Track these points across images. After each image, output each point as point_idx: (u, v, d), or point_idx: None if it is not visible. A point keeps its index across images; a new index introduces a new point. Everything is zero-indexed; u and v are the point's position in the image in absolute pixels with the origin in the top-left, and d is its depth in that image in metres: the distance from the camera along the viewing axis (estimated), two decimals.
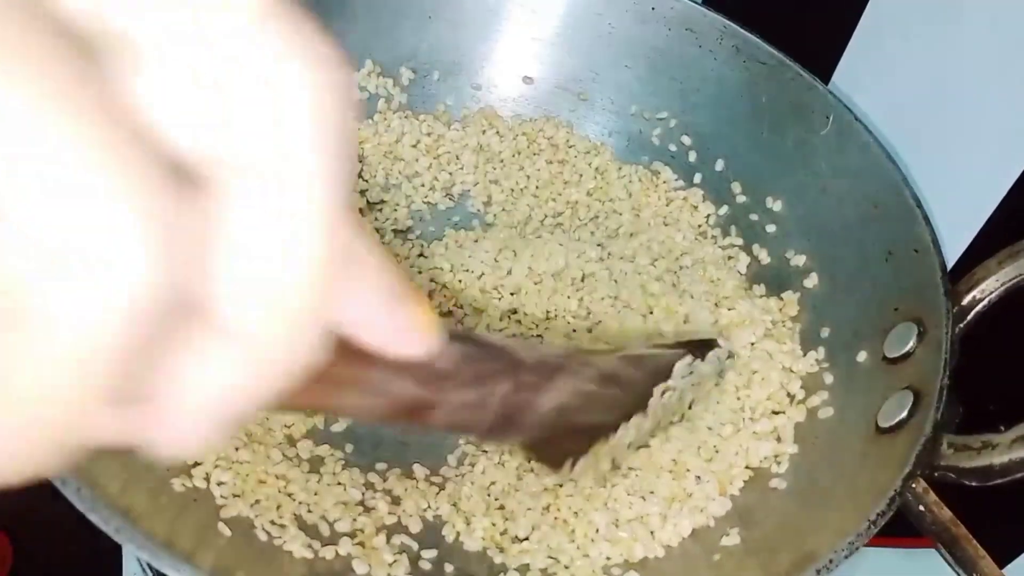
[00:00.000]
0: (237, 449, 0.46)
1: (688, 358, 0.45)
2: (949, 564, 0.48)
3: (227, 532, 0.42)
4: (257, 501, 0.45)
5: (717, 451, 0.50)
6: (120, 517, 0.36)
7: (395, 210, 0.60)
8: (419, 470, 0.49)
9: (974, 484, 0.43)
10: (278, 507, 0.45)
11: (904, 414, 0.45)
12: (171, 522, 0.40)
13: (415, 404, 0.28)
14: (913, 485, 0.46)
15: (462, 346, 0.30)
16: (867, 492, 0.43)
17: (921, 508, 0.47)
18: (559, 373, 0.36)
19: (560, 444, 0.39)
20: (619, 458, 0.44)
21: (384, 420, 0.28)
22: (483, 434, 0.34)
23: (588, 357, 0.40)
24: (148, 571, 0.53)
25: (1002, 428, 0.43)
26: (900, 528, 0.46)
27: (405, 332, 0.22)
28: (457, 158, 0.62)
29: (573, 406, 0.36)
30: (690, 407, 0.50)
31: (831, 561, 0.40)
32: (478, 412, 0.32)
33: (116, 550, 0.55)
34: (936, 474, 0.44)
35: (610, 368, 0.40)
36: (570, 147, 0.64)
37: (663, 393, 0.43)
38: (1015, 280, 0.48)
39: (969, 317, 0.49)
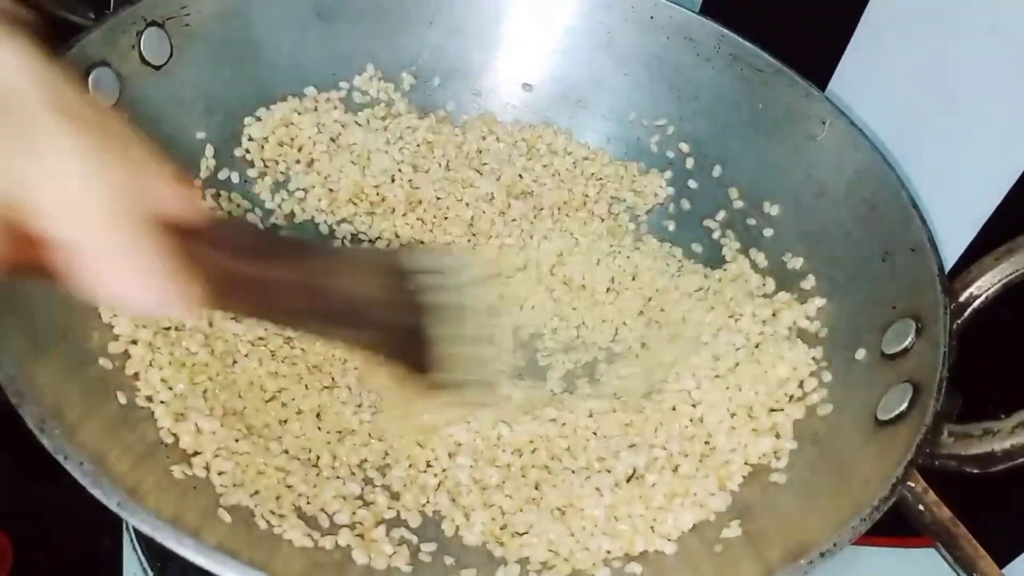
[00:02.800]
0: (237, 440, 0.46)
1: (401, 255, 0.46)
2: (949, 563, 0.48)
3: (227, 519, 0.42)
4: (256, 492, 0.44)
5: (714, 448, 0.50)
6: (122, 492, 0.36)
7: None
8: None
9: (976, 471, 0.43)
10: (277, 498, 0.45)
11: (904, 406, 0.46)
12: (174, 505, 0.40)
13: (256, 279, 0.35)
14: (912, 484, 0.46)
15: (258, 229, 0.39)
16: (868, 482, 0.43)
17: (921, 507, 0.47)
18: (353, 259, 0.42)
19: (414, 352, 0.43)
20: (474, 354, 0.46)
21: (224, 299, 0.35)
22: (332, 324, 0.40)
23: (366, 249, 0.47)
24: (149, 571, 0.53)
25: (1002, 416, 0.43)
26: (900, 528, 0.46)
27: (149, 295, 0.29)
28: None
29: (390, 301, 0.41)
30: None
31: (835, 545, 0.40)
32: (308, 296, 0.37)
33: (116, 550, 0.54)
34: (937, 462, 0.44)
35: (389, 261, 0.43)
36: (568, 153, 0.64)
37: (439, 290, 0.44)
38: (1012, 276, 0.49)
39: (967, 313, 0.49)
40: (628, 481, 0.49)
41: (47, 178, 0.25)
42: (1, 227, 0.24)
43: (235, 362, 0.50)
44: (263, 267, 0.36)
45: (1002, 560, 0.53)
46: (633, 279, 0.60)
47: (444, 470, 0.50)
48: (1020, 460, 0.42)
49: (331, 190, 0.59)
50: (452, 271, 0.45)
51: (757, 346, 0.54)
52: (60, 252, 0.26)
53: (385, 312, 0.41)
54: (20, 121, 0.24)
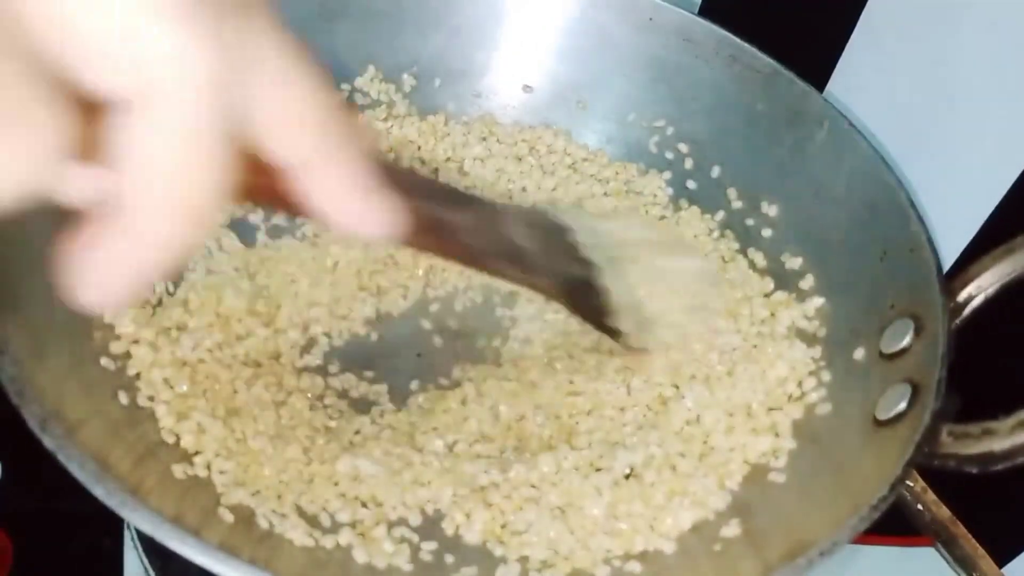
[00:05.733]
0: (238, 440, 0.46)
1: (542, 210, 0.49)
2: (948, 563, 0.48)
3: (229, 518, 0.42)
4: (258, 491, 0.45)
5: (712, 448, 0.50)
6: (124, 492, 0.36)
7: None
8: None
9: (975, 471, 0.43)
10: (278, 497, 0.45)
11: (903, 406, 0.46)
12: (175, 504, 0.40)
13: (437, 223, 0.37)
14: (911, 483, 0.47)
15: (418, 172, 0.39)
16: (867, 481, 0.43)
17: (920, 507, 0.47)
18: (501, 213, 0.43)
19: (586, 305, 0.46)
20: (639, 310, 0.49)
21: (424, 241, 0.38)
22: (521, 270, 0.43)
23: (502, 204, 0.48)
24: (150, 571, 0.53)
25: (1001, 416, 0.43)
26: (899, 527, 0.46)
27: (372, 215, 0.28)
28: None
29: (546, 250, 0.43)
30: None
31: (834, 543, 0.40)
32: (491, 239, 0.40)
33: (117, 550, 0.54)
34: (936, 462, 0.44)
35: (526, 216, 0.45)
36: (568, 154, 0.64)
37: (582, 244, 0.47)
38: (1010, 276, 0.49)
39: (965, 313, 0.49)
40: (627, 480, 0.49)
41: (272, 94, 0.24)
42: (234, 150, 0.22)
43: (239, 362, 0.50)
44: (441, 208, 0.37)
45: (1002, 560, 0.54)
46: None
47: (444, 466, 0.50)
48: (1019, 460, 0.42)
49: None
50: (602, 234, 0.47)
51: (755, 346, 0.55)
52: (289, 176, 0.26)
53: (553, 261, 0.43)
54: (240, 24, 0.23)
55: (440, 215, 0.38)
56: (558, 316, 0.57)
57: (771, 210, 0.60)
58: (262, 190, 0.27)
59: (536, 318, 0.58)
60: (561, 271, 0.45)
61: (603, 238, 0.48)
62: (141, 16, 0.19)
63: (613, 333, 0.50)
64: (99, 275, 0.22)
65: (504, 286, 0.58)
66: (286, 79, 0.24)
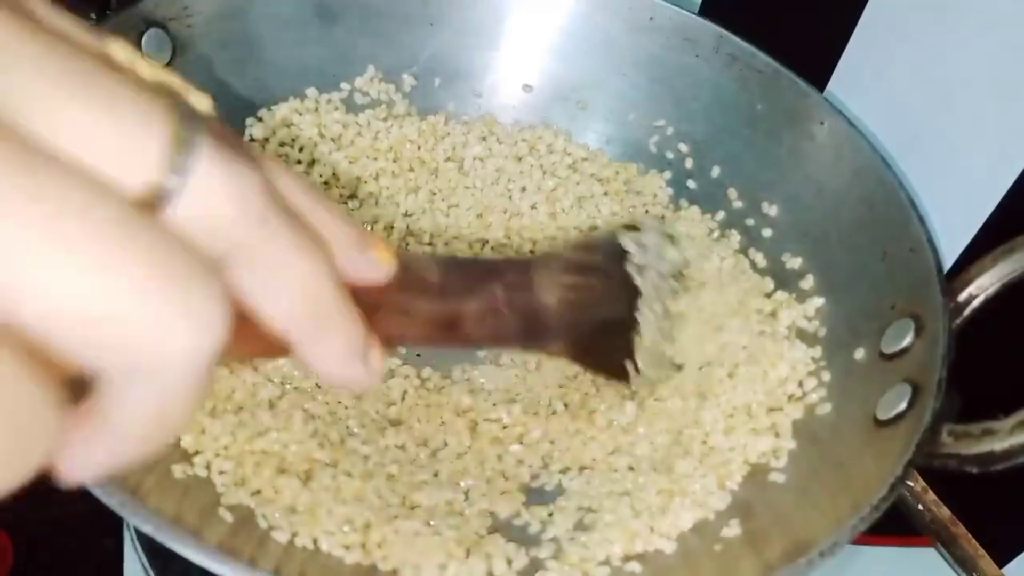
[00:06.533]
0: (237, 440, 0.46)
1: (626, 233, 0.45)
2: (948, 563, 0.48)
3: (228, 518, 0.42)
4: (258, 491, 0.45)
5: (713, 448, 0.50)
6: (123, 492, 0.36)
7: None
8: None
9: (975, 471, 0.43)
10: (276, 492, 0.45)
11: (903, 406, 0.46)
12: (175, 504, 0.40)
13: (443, 319, 0.34)
14: (912, 484, 0.47)
15: (438, 260, 0.35)
16: (868, 482, 0.43)
17: (920, 507, 0.47)
18: (534, 270, 0.39)
19: (604, 349, 0.43)
20: (665, 348, 0.46)
21: (430, 340, 0.35)
22: (520, 342, 0.39)
23: (547, 254, 0.43)
24: (150, 571, 0.53)
25: (1001, 416, 0.43)
26: (899, 527, 0.46)
27: (369, 260, 0.28)
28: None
29: (575, 300, 0.39)
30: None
31: (834, 544, 0.40)
32: (498, 319, 0.36)
33: (117, 550, 0.54)
34: (936, 462, 0.44)
35: (574, 258, 0.42)
36: (568, 154, 0.64)
37: (640, 271, 0.43)
38: (1011, 276, 0.49)
39: (966, 313, 0.49)
40: (627, 480, 0.50)
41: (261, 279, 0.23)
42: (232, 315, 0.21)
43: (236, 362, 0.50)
44: (456, 302, 0.35)
45: (1002, 560, 0.53)
46: None
47: (442, 462, 0.50)
48: (1019, 459, 0.42)
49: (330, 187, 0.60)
50: (654, 251, 0.44)
51: (755, 345, 0.55)
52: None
53: (576, 313, 0.40)
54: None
55: (442, 310, 0.35)
56: None
57: (771, 210, 0.60)
58: (250, 352, 0.27)
59: None
60: (587, 321, 0.41)
61: (662, 263, 0.45)
62: (112, 292, 0.18)
63: (622, 375, 0.47)
64: (81, 455, 0.21)
65: None
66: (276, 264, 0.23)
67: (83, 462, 0.21)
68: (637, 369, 0.44)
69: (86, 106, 0.18)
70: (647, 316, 0.43)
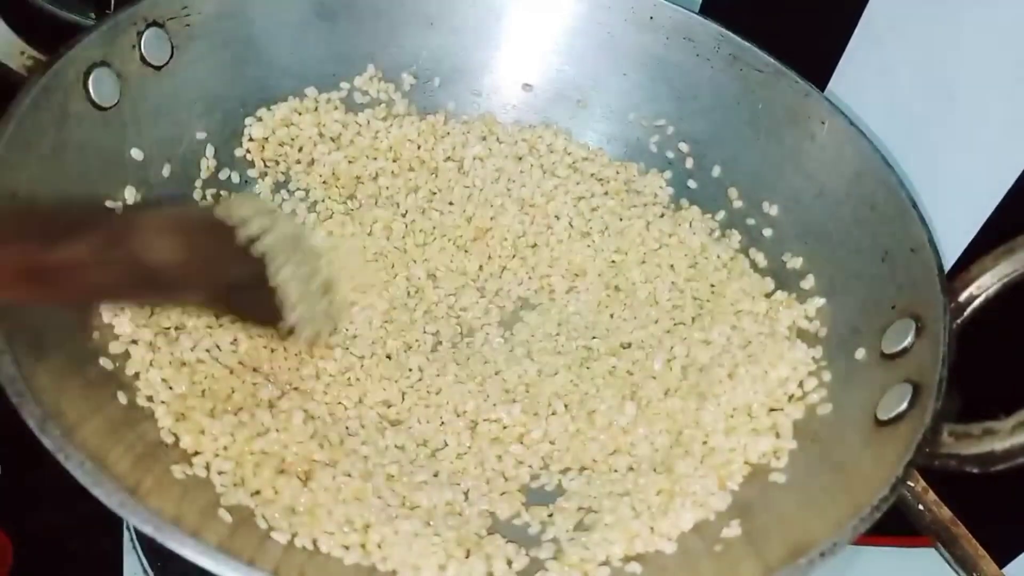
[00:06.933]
0: (237, 440, 0.46)
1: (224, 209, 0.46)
2: (949, 563, 0.48)
3: (228, 518, 0.42)
4: (257, 491, 0.45)
5: (713, 448, 0.50)
6: (123, 492, 0.36)
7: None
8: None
9: (976, 471, 0.43)
10: (276, 493, 0.45)
11: (904, 406, 0.46)
12: (174, 505, 0.40)
13: (42, 269, 0.34)
14: (912, 484, 0.46)
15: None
16: (869, 482, 0.43)
17: (921, 507, 0.47)
18: (130, 230, 0.40)
19: (250, 304, 0.45)
20: (317, 303, 0.48)
21: (21, 289, 0.36)
22: (143, 294, 0.41)
23: (149, 214, 0.46)
24: (149, 571, 0.53)
25: (1002, 416, 0.43)
26: (900, 527, 0.46)
27: None
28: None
29: (196, 260, 0.41)
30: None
31: (835, 544, 0.40)
32: (110, 270, 0.37)
33: (116, 550, 0.54)
34: (937, 462, 0.44)
35: (173, 221, 0.43)
36: (568, 153, 0.64)
37: (254, 240, 0.44)
38: (1011, 276, 0.49)
39: (966, 313, 0.49)
40: (627, 480, 0.49)
41: None
42: None
43: (239, 363, 0.50)
44: (45, 248, 0.35)
45: (1002, 560, 0.53)
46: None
47: (441, 463, 0.50)
48: (1020, 460, 0.42)
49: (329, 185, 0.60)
50: (267, 215, 0.45)
51: (755, 345, 0.54)
52: None
53: (212, 268, 0.42)
54: None
55: (43, 257, 0.35)
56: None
57: (772, 210, 0.60)
58: None
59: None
60: (221, 278, 0.43)
61: (281, 227, 0.47)
62: None
63: (281, 331, 0.48)
64: None
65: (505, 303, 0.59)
66: None
67: None
68: (286, 318, 0.46)
69: None
70: (282, 276, 0.45)
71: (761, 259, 0.59)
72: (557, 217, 0.62)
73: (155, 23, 0.53)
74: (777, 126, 0.60)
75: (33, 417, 0.37)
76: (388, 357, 0.54)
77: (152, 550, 0.53)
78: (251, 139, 0.60)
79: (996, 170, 0.54)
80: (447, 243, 0.61)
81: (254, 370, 0.51)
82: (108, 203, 0.50)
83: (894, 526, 0.43)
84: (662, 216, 0.63)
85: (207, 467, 0.44)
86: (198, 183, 0.57)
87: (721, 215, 0.62)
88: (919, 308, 0.49)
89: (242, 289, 0.44)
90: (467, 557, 0.44)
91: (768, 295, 0.57)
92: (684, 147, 0.64)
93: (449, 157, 0.63)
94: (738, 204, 0.61)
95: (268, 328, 0.48)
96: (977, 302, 0.49)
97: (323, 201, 0.60)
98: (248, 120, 0.60)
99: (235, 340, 0.51)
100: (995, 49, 0.53)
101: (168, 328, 0.49)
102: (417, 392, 0.53)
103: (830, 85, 0.64)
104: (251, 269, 0.44)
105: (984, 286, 0.49)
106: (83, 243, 0.37)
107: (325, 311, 0.50)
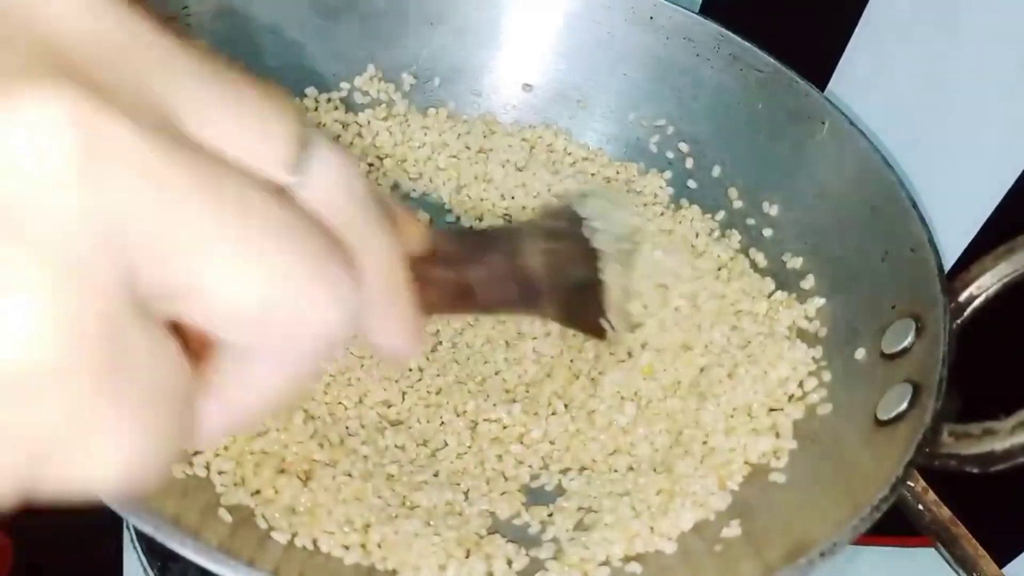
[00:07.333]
0: (237, 440, 0.46)
1: (580, 200, 0.46)
2: (949, 563, 0.48)
3: (228, 518, 0.42)
4: (257, 491, 0.45)
5: (713, 448, 0.50)
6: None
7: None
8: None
9: (976, 471, 0.43)
10: (276, 494, 0.45)
11: (904, 406, 0.46)
12: (174, 504, 0.40)
13: (459, 287, 0.36)
14: (912, 484, 0.46)
15: (448, 233, 0.39)
16: (868, 482, 0.43)
17: (921, 507, 0.47)
18: (519, 238, 0.41)
19: (582, 310, 0.44)
20: (629, 305, 0.47)
21: (451, 308, 0.38)
22: (520, 306, 0.42)
23: (524, 223, 0.46)
24: (149, 571, 0.53)
25: (1002, 416, 0.43)
26: (900, 527, 0.46)
27: (408, 233, 0.30)
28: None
29: (554, 264, 0.41)
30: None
31: (835, 544, 0.40)
32: (503, 285, 0.39)
33: (116, 550, 0.54)
34: (937, 462, 0.44)
35: (546, 225, 0.43)
36: (568, 153, 0.64)
37: (597, 234, 0.44)
38: (1012, 276, 0.49)
39: (967, 313, 0.49)
40: (627, 480, 0.49)
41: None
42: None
43: None
44: (461, 271, 0.37)
45: (1002, 560, 0.53)
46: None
47: (441, 462, 0.50)
48: (1020, 460, 0.42)
49: None
50: (606, 215, 0.45)
51: (755, 345, 0.55)
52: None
53: (559, 273, 0.42)
54: None
55: (460, 279, 0.37)
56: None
57: (772, 210, 0.60)
58: None
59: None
60: (566, 283, 0.43)
61: (615, 225, 0.47)
62: (281, 284, 0.20)
63: (600, 333, 0.48)
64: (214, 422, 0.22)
65: None
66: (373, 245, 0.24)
67: (207, 430, 0.22)
68: (612, 326, 0.45)
69: (232, 108, 0.20)
70: (610, 275, 0.44)
71: (761, 259, 0.59)
72: None
73: None
74: (777, 126, 0.60)
75: None
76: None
77: (152, 550, 0.53)
78: None
79: (996, 170, 0.54)
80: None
81: None
82: None
83: (894, 526, 0.43)
84: (662, 216, 0.63)
85: (207, 467, 0.44)
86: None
87: (721, 215, 0.62)
88: (919, 308, 0.49)
89: (577, 291, 0.44)
90: (467, 557, 0.44)
91: (768, 295, 0.57)
92: (684, 147, 0.64)
93: (455, 156, 0.63)
94: (738, 204, 0.61)
95: (592, 331, 0.46)
96: (977, 302, 0.49)
97: None
98: None
99: None
100: (995, 49, 0.53)
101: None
102: (417, 392, 0.53)
103: (830, 85, 0.64)
104: (588, 268, 0.44)
105: (984, 286, 0.49)
106: (487, 262, 0.39)
107: (628, 312, 0.50)
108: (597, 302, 0.45)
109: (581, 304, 0.44)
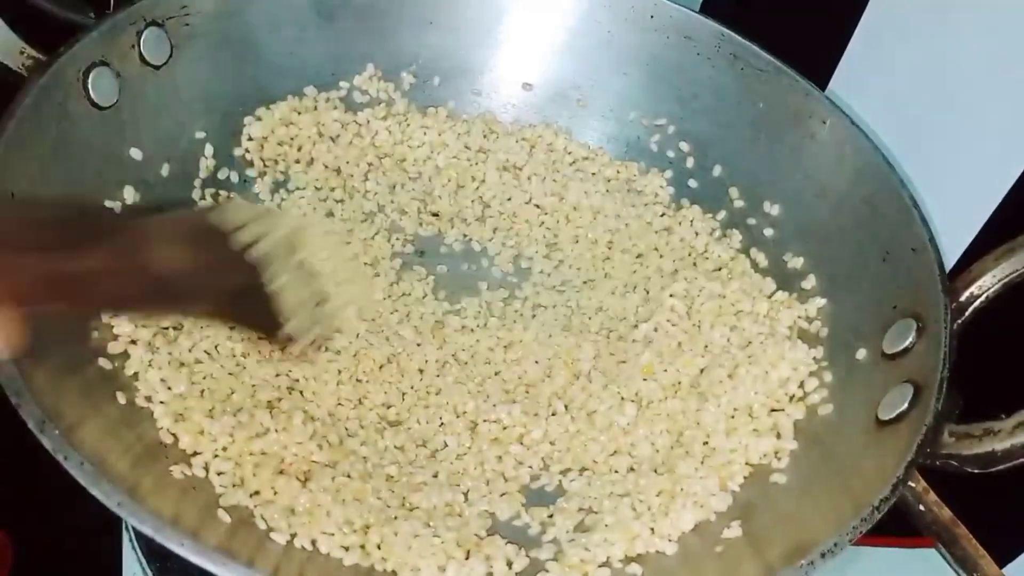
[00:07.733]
0: (236, 441, 0.46)
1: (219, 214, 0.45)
2: (949, 563, 0.48)
3: (227, 519, 0.42)
4: (256, 492, 0.44)
5: (714, 449, 0.50)
6: (122, 492, 0.36)
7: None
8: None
9: (976, 471, 0.43)
10: (275, 494, 0.45)
11: (905, 406, 0.46)
12: (173, 505, 0.40)
13: (55, 281, 0.34)
14: (913, 484, 0.46)
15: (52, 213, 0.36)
16: (870, 482, 0.43)
17: (921, 507, 0.47)
18: (139, 236, 0.40)
19: (252, 311, 0.45)
20: (313, 305, 0.48)
21: (42, 301, 0.35)
22: (160, 304, 0.41)
23: (159, 220, 0.44)
24: (148, 571, 0.53)
25: (1002, 416, 0.43)
26: (900, 528, 0.46)
27: None
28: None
29: (202, 268, 0.41)
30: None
31: (836, 545, 0.40)
32: (123, 280, 0.37)
33: (116, 550, 0.54)
34: (938, 462, 0.44)
35: (177, 229, 0.43)
36: (568, 153, 0.64)
37: (249, 245, 0.44)
38: (1012, 276, 0.49)
39: (967, 313, 0.49)
40: (628, 481, 0.49)
41: None
42: None
43: (237, 364, 0.50)
44: (64, 258, 0.35)
45: (1002, 560, 0.53)
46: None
47: (441, 463, 0.50)
48: (1020, 460, 0.42)
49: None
50: (266, 220, 0.45)
51: (756, 345, 0.54)
52: None
53: (213, 276, 0.42)
54: None
55: (63, 267, 0.35)
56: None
57: (773, 209, 0.60)
58: None
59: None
60: (223, 286, 0.43)
61: (274, 232, 0.46)
62: None
63: (280, 339, 0.48)
64: None
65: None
66: None
67: None
68: (294, 330, 0.46)
69: None
70: (279, 283, 0.45)
71: (762, 259, 0.59)
72: (558, 217, 0.62)
73: (154, 23, 0.53)
74: (778, 126, 0.60)
75: (32, 417, 0.37)
76: (388, 358, 0.54)
77: (151, 550, 0.53)
78: (250, 138, 0.59)
79: (996, 170, 0.54)
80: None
81: (257, 365, 0.50)
82: (107, 203, 0.50)
83: (895, 526, 0.43)
84: (662, 215, 0.63)
85: (206, 467, 0.44)
86: (197, 183, 0.57)
87: (722, 215, 0.62)
88: (920, 308, 0.49)
89: (242, 296, 0.44)
90: (467, 558, 0.44)
91: (769, 295, 0.57)
92: (685, 147, 0.63)
93: (455, 156, 0.63)
94: (739, 204, 0.61)
95: (267, 336, 0.48)
96: (978, 302, 0.49)
97: (324, 201, 0.60)
98: (247, 119, 0.60)
99: (230, 336, 0.51)
100: (995, 49, 0.53)
101: (167, 328, 0.49)
102: (417, 392, 0.53)
103: (830, 85, 0.64)
104: (249, 276, 0.44)
105: (985, 286, 0.49)
106: (100, 252, 0.37)
107: (320, 318, 0.50)
108: (269, 308, 0.45)
109: (251, 308, 0.44)
